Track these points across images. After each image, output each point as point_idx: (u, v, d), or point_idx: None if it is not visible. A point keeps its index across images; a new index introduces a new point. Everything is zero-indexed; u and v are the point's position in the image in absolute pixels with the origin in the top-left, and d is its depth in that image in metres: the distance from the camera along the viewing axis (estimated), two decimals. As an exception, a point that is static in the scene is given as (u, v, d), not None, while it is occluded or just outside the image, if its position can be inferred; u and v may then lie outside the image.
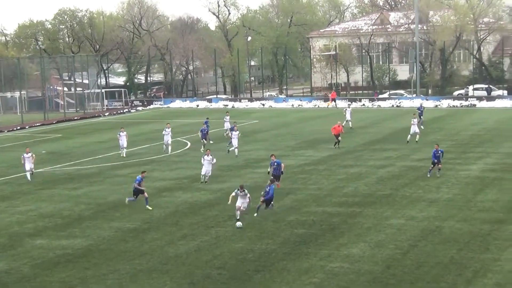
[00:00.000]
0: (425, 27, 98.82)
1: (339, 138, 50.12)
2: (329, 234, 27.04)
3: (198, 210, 32.05)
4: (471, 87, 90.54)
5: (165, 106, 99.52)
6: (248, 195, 28.94)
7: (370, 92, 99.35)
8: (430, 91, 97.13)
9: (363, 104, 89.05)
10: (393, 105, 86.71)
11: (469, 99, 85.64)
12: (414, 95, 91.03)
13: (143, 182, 32.73)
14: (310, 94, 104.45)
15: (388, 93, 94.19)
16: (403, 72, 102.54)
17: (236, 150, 47.79)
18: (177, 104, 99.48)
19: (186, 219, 30.28)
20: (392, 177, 38.77)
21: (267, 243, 25.91)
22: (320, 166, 43.10)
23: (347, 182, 37.73)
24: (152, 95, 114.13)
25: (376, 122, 67.94)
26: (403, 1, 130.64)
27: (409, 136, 51.58)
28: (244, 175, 40.83)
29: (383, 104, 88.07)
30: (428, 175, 37.75)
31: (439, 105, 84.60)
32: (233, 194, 29.08)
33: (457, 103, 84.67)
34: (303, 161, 45.34)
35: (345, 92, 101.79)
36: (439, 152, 37.91)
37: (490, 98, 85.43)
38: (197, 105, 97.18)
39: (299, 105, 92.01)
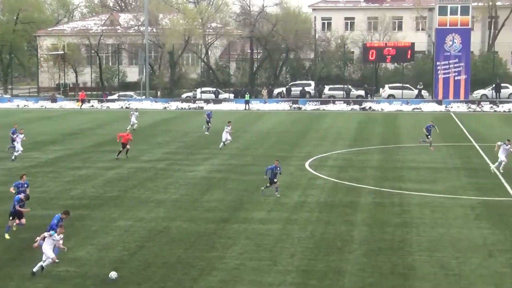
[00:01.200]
0: (154, 30, 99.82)
1: (128, 146, 45.42)
2: (56, 238, 26.22)
3: None
4: (199, 90, 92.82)
5: None
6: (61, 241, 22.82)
7: (99, 93, 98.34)
8: (159, 93, 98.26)
9: (92, 105, 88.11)
10: (122, 107, 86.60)
11: (197, 101, 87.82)
12: (143, 97, 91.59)
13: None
14: (37, 94, 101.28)
15: (117, 94, 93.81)
16: (132, 74, 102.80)
17: (16, 154, 44.53)
18: None
19: None
20: (121, 178, 38.58)
21: (-12, 250, 24.59)
22: (47, 168, 41.81)
23: (75, 184, 36.95)
24: None
25: (105, 124, 67.41)
26: (134, 3, 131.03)
27: (222, 144, 49.78)
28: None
29: (112, 105, 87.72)
30: (262, 195, 33.71)
31: (167, 107, 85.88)
32: (46, 236, 22.28)
33: (185, 105, 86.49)
34: (28, 163, 43.66)
35: (73, 93, 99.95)
36: (278, 168, 33.66)
37: (217, 101, 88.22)
38: None
39: (25, 105, 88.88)
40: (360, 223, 28.85)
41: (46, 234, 22.28)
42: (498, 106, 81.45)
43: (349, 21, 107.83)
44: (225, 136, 49.86)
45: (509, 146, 39.45)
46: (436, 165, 43.12)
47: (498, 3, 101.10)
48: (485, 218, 29.66)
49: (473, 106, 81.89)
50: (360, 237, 26.74)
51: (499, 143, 40.06)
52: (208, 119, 59.04)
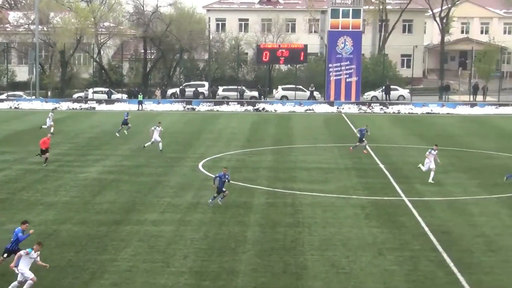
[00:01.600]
0: (45, 28, 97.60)
1: (47, 153, 42.47)
2: None
3: None
4: (91, 90, 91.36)
5: None
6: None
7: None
8: (50, 93, 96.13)
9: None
10: (11, 107, 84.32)
11: (89, 102, 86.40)
12: (33, 97, 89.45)
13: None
14: None
15: (6, 94, 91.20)
16: (22, 73, 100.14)
17: None
18: None
19: None
20: (9, 180, 37.53)
21: None
22: None
23: (-40, 187, 35.75)
24: None
25: (-7, 124, 65.47)
26: (23, 1, 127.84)
27: (149, 143, 48.45)
28: None
29: (1, 105, 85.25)
30: (211, 205, 31.84)
31: (58, 107, 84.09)
32: (23, 254, 20.77)
33: (77, 105, 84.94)
34: None
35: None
36: (226, 176, 31.94)
37: (110, 101, 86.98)
38: None
39: None
40: (253, 224, 29.02)
41: (22, 252, 20.71)
42: (387, 108, 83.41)
43: (243, 23, 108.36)
44: (154, 136, 48.39)
45: (436, 151, 38.81)
46: (327, 165, 43.81)
47: (389, 7, 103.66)
48: (375, 217, 30.32)
49: (364, 108, 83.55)
50: (253, 238, 26.89)
51: (427, 152, 38.70)
52: (125, 119, 57.55)
